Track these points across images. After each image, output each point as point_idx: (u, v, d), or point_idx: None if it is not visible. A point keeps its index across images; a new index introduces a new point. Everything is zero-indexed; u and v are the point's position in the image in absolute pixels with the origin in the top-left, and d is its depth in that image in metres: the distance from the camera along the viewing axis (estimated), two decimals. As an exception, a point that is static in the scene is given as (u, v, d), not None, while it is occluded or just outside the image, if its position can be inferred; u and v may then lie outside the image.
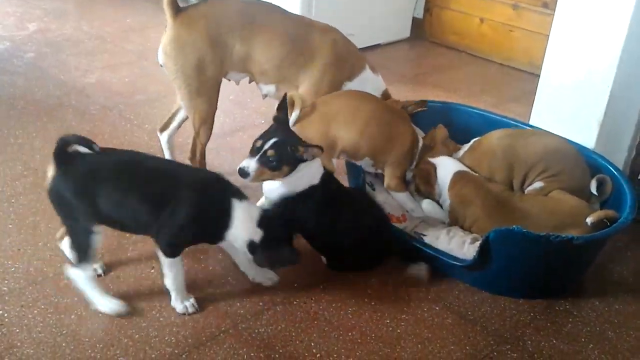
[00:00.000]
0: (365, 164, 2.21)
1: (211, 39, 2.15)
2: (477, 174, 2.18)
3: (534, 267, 1.93)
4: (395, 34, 4.15)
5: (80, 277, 1.77)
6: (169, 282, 1.80)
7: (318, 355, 1.71)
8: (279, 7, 2.33)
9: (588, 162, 2.22)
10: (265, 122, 2.95)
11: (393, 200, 2.25)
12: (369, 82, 2.37)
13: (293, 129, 2.10)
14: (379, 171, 2.27)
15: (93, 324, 1.75)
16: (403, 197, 2.22)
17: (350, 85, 2.34)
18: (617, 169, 2.22)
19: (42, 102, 3.02)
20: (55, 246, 2.02)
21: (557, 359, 1.77)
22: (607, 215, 1.96)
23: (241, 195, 1.80)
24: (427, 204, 2.22)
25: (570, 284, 2.04)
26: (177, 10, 2.14)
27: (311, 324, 1.82)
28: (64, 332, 1.72)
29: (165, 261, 1.77)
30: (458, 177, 2.14)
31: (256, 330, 1.78)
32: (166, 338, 1.73)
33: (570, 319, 1.91)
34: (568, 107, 2.45)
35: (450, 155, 2.27)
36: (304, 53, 2.25)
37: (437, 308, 1.91)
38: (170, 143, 2.47)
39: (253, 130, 2.88)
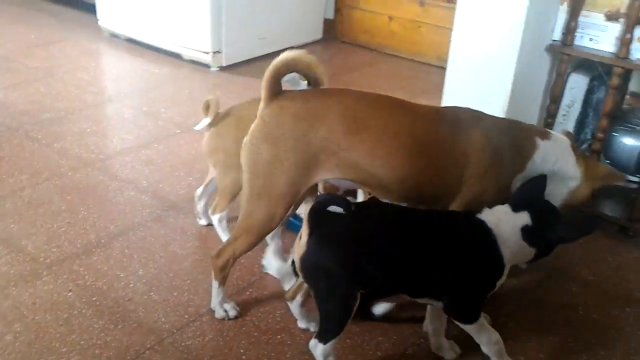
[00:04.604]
0: None
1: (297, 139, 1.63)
2: None
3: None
4: (308, 35, 4.18)
5: (331, 354, 1.58)
6: (488, 347, 1.62)
7: (248, 361, 1.70)
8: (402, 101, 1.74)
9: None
10: (180, 131, 2.90)
11: None
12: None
13: (206, 134, 2.08)
14: None
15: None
16: None
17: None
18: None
19: (-60, 127, 2.87)
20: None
21: None
22: None
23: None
24: None
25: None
26: (275, 94, 1.66)
27: (239, 330, 1.80)
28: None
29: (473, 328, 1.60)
30: None
31: (183, 344, 1.74)
32: (89, 361, 1.67)
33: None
34: (474, 97, 2.53)
35: None
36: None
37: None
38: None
39: (169, 141, 2.84)
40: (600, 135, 2.34)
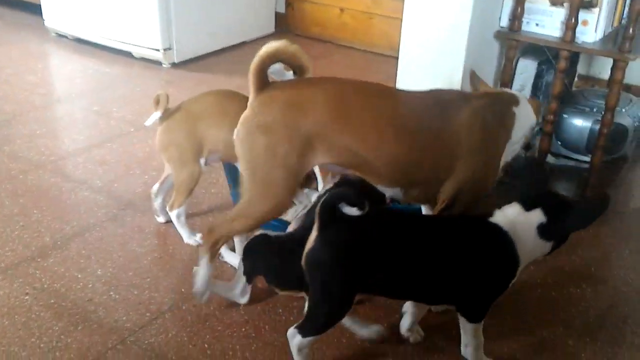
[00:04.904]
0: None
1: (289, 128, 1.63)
2: None
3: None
4: (260, 30, 4.15)
5: (305, 347, 1.55)
6: (472, 352, 1.63)
7: (213, 355, 1.68)
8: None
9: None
10: (134, 129, 2.86)
11: None
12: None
13: (157, 130, 2.06)
14: None
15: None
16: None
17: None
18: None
19: None
20: None
21: None
22: None
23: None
24: None
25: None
26: (263, 85, 1.66)
27: (203, 326, 1.79)
28: None
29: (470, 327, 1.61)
30: None
31: (146, 342, 1.72)
32: (49, 365, 1.63)
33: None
34: (427, 85, 2.54)
35: None
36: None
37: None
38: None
39: (122, 140, 2.79)
40: (550, 117, 2.40)
